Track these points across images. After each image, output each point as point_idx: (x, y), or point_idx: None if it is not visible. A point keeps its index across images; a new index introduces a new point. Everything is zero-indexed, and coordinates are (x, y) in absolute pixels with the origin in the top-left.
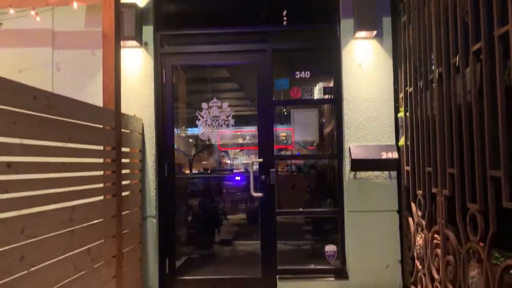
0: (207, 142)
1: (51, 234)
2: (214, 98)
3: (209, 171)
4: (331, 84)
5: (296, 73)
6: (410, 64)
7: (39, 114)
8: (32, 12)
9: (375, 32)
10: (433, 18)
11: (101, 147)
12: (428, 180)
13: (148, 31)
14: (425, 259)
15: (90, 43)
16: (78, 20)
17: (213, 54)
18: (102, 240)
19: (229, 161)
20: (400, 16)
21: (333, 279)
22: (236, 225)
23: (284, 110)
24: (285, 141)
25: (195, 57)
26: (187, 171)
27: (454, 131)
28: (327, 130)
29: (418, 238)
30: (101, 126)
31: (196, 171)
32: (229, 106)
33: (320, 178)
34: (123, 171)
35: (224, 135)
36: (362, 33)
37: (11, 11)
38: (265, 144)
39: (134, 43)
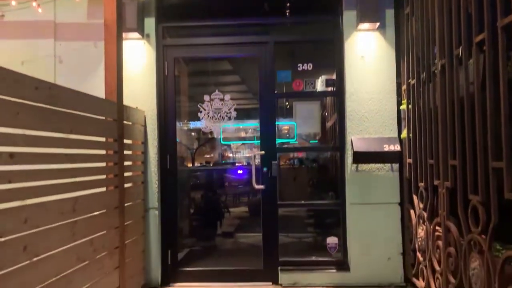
0: (210, 136)
1: (54, 225)
2: (216, 90)
3: (211, 164)
4: (334, 77)
5: (299, 65)
6: (413, 56)
7: (42, 105)
8: (34, 4)
9: (378, 24)
10: (436, 8)
11: (103, 139)
12: (430, 172)
13: (150, 23)
14: (427, 251)
15: (92, 35)
16: (80, 12)
17: (215, 46)
18: (105, 231)
19: (231, 155)
20: (403, 7)
21: (334, 271)
22: (238, 217)
23: (287, 103)
24: (287, 135)
25: (197, 49)
26: (190, 165)
27: (457, 123)
28: (329, 123)
29: (419, 230)
30: (103, 118)
31: (199, 164)
32: (231, 99)
33: (322, 171)
34: (126, 163)
35: (227, 129)
36: (365, 25)
37: (13, 2)
38: (267, 137)
39: (136, 35)
